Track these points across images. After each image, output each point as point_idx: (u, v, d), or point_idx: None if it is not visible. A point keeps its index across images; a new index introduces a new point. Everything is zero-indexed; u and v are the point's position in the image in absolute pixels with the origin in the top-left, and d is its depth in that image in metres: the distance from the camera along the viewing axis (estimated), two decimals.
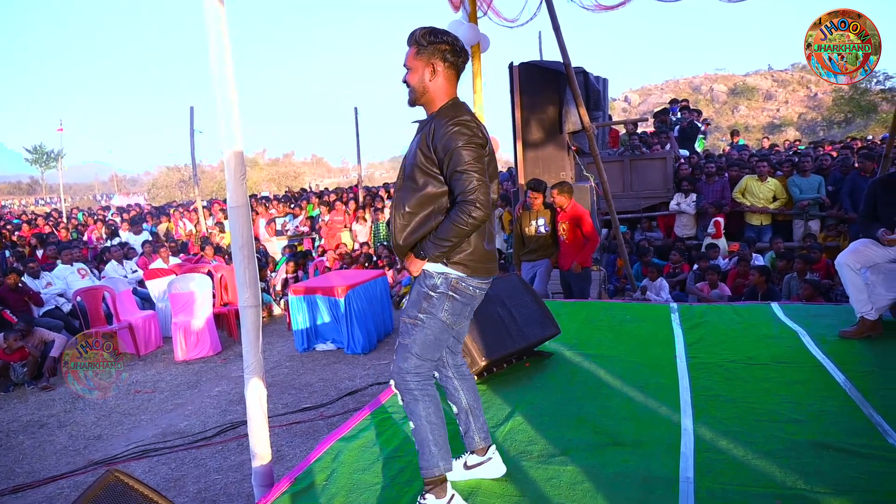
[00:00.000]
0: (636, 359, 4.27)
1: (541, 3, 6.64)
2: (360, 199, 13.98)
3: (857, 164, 8.93)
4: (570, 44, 7.24)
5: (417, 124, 2.50)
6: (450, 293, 2.43)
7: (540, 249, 6.56)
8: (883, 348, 4.15)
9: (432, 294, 2.43)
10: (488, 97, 6.05)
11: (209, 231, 13.72)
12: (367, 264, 9.93)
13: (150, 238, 12.52)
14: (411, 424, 2.51)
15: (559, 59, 7.43)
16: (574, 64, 7.76)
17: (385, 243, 11.46)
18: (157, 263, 9.05)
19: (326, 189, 19.45)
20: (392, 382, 2.60)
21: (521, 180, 7.86)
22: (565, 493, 2.62)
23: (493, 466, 2.73)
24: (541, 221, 6.51)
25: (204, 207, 15.19)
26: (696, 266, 7.87)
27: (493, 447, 2.76)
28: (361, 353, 6.56)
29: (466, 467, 2.73)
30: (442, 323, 2.45)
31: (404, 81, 2.44)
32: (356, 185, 15.56)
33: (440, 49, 2.35)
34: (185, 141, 13.60)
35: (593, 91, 9.13)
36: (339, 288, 6.64)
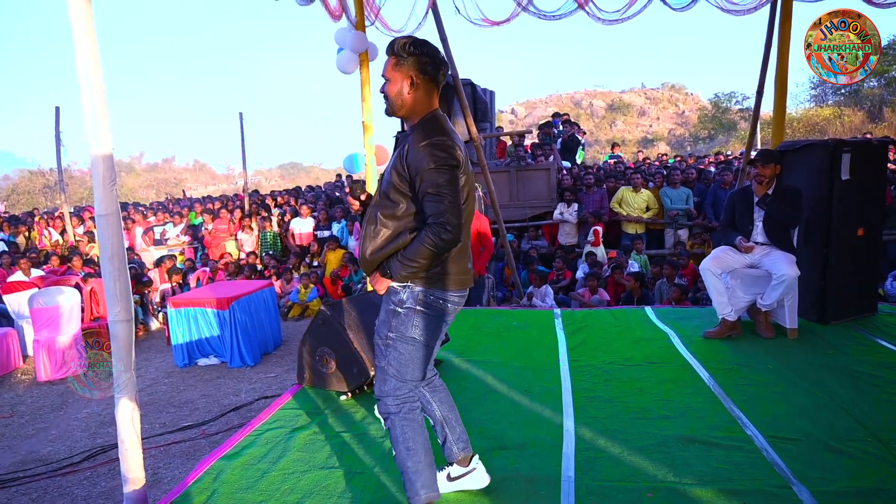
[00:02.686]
0: (522, 363, 4.40)
1: (426, 13, 6.72)
2: (247, 207, 13.51)
3: (717, 177, 9.71)
4: (457, 56, 7.39)
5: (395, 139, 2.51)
6: (418, 308, 2.33)
7: None
8: (742, 347, 4.52)
9: (399, 311, 2.34)
10: (377, 106, 6.06)
11: (77, 240, 12.75)
12: (253, 275, 9.60)
13: (7, 248, 11.46)
14: (394, 452, 2.43)
15: None
16: (462, 76, 7.93)
17: (271, 253, 11.13)
18: (17, 276, 8.30)
19: (210, 196, 18.64)
20: (375, 407, 2.47)
21: None
22: (452, 498, 2.65)
23: (478, 476, 2.68)
24: None
25: (72, 215, 14.09)
26: (582, 273, 8.22)
27: (476, 457, 2.70)
28: (247, 366, 6.32)
29: (450, 479, 2.67)
30: (414, 340, 2.35)
31: (382, 92, 2.36)
32: (242, 193, 15.02)
33: (420, 61, 2.28)
34: (51, 143, 12.55)
35: (480, 103, 9.37)
36: (223, 299, 6.38)
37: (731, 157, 14.53)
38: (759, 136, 13.67)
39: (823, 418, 3.25)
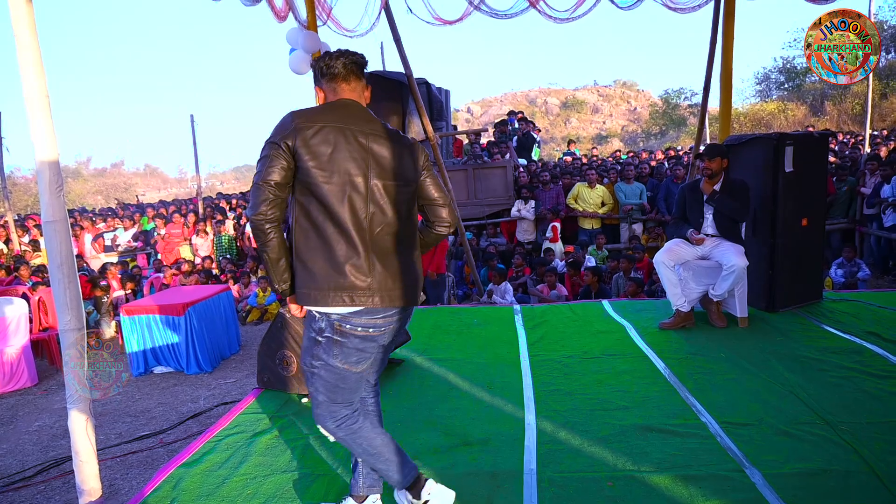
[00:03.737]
0: (483, 360, 4.43)
1: (379, 14, 6.71)
2: (201, 210, 13.26)
3: (669, 172, 9.94)
4: (412, 55, 7.40)
5: None
6: (335, 338, 2.19)
7: None
8: (695, 337, 4.64)
9: (320, 339, 2.22)
10: None
11: (23, 250, 12.31)
12: (209, 280, 9.43)
13: None
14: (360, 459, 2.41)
15: (402, 70, 7.56)
16: (417, 75, 7.93)
17: (228, 256, 10.96)
18: None
19: (162, 201, 18.23)
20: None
21: None
22: None
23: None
24: None
25: (16, 223, 13.59)
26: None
27: (377, 498, 2.53)
28: (205, 373, 6.21)
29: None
30: (340, 368, 2.22)
31: None
32: (196, 197, 14.73)
33: (315, 75, 2.33)
34: None
35: (436, 101, 9.40)
36: (179, 305, 6.25)
37: (681, 153, 14.88)
38: (707, 130, 14.05)
39: (774, 403, 3.36)
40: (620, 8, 7.11)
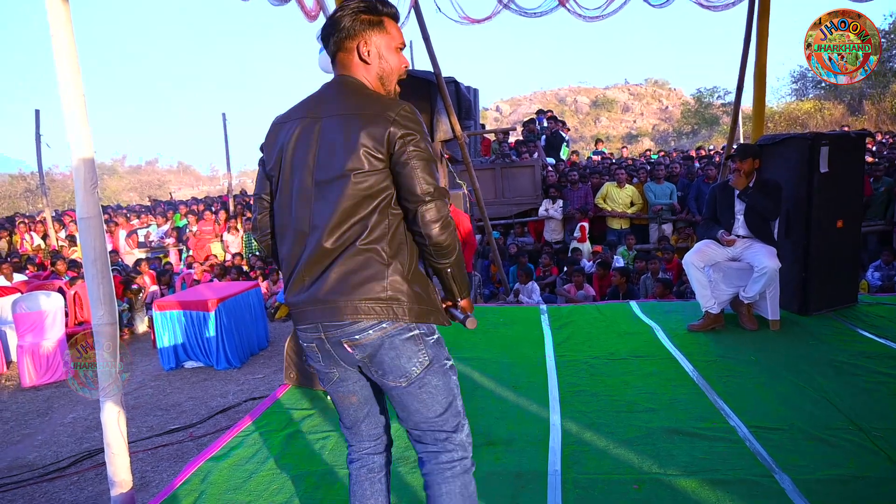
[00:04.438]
0: (509, 360, 4.42)
1: (409, 12, 6.73)
2: (231, 208, 13.45)
3: (700, 172, 9.80)
4: (440, 54, 7.40)
5: None
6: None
7: None
8: (725, 339, 4.57)
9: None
10: None
11: (60, 245, 12.62)
12: (239, 276, 9.56)
13: None
14: None
15: (430, 69, 7.56)
16: (445, 74, 7.93)
17: (257, 254, 11.09)
18: (0, 281, 8.22)
19: (194, 198, 18.54)
20: None
21: None
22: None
23: None
24: None
25: (54, 219, 13.95)
26: (565, 269, 8.28)
27: None
28: (234, 368, 6.31)
29: None
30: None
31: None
32: (226, 194, 14.96)
33: None
34: (31, 146, 12.46)
35: (464, 100, 9.37)
36: (209, 301, 6.35)
37: (712, 152, 14.65)
38: (741, 129, 13.79)
39: (805, 408, 3.30)
40: (652, 6, 7.04)
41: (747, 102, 7.40)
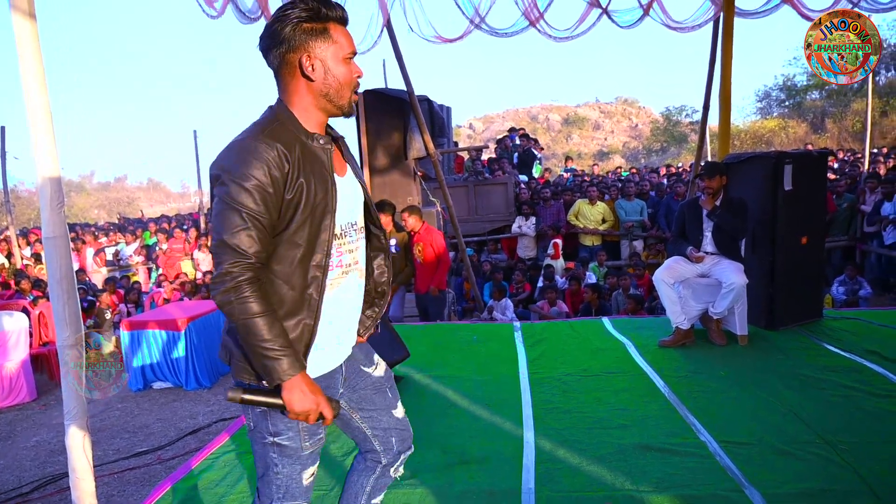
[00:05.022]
0: (482, 377, 4.42)
1: (381, 31, 6.78)
2: (203, 225, 13.30)
3: (669, 189, 9.97)
4: (413, 73, 7.46)
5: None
6: None
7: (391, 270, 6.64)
8: (695, 354, 4.63)
9: None
10: (333, 123, 5.96)
11: (25, 263, 12.33)
12: (209, 295, 9.43)
13: None
14: None
15: (403, 87, 7.62)
16: (418, 92, 7.99)
17: None
18: None
19: (164, 215, 18.30)
20: None
21: None
22: None
23: None
24: (392, 241, 6.62)
25: (19, 236, 13.62)
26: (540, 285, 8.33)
27: None
28: (204, 388, 6.20)
29: None
30: None
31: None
32: (197, 212, 14.80)
33: None
34: None
35: (437, 118, 9.46)
36: (179, 320, 6.25)
37: (680, 170, 14.92)
38: (708, 147, 14.09)
39: (773, 422, 3.35)
40: (621, 27, 7.19)
41: (714, 121, 7.57)
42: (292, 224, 1.60)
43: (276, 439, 1.69)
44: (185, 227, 13.24)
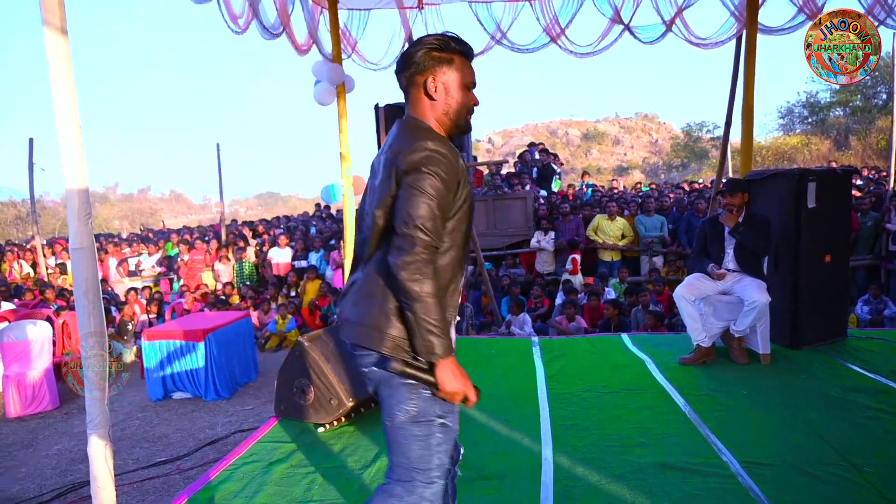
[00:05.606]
0: (501, 392, 4.41)
1: (403, 47, 6.84)
2: (223, 237, 13.44)
3: (689, 205, 9.90)
4: None
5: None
6: None
7: None
8: (716, 373, 4.57)
9: None
10: (354, 137, 6.07)
11: (49, 272, 12.54)
12: (229, 306, 9.51)
13: None
14: None
15: None
16: None
17: (248, 283, 11.05)
18: None
19: (186, 227, 18.52)
20: None
21: None
22: None
23: None
24: None
25: (44, 246, 13.86)
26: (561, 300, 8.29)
27: None
28: (223, 399, 6.24)
29: None
30: None
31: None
32: (218, 223, 14.95)
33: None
34: (23, 174, 12.44)
35: None
36: (199, 331, 6.31)
37: (701, 186, 14.80)
38: (729, 164, 13.98)
39: (796, 442, 3.29)
40: (644, 43, 7.19)
41: (735, 137, 7.52)
42: (453, 219, 1.87)
43: (442, 420, 1.89)
44: (206, 238, 13.36)
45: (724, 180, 7.36)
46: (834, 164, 15.73)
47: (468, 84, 1.94)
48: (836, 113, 30.04)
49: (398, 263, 1.74)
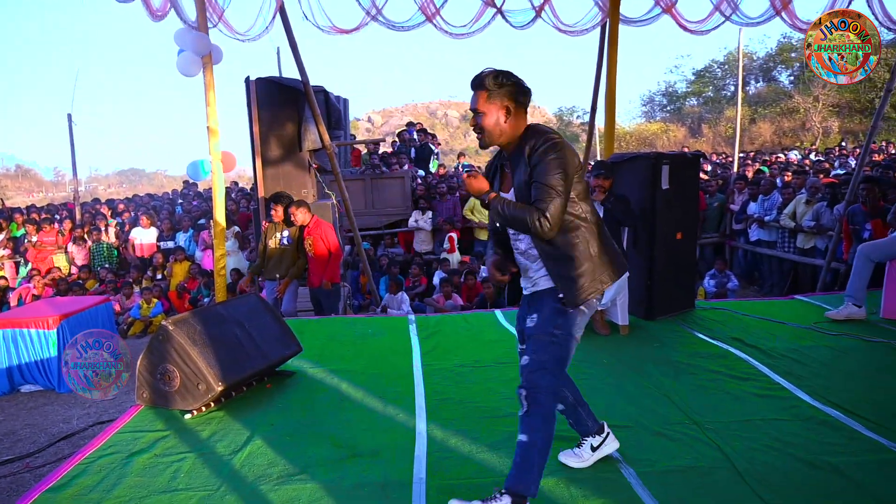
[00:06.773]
0: (376, 370, 4.42)
1: (273, 17, 6.59)
2: (78, 216, 12.41)
3: None
4: (309, 63, 7.31)
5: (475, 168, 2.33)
6: (581, 307, 2.48)
7: (283, 263, 6.52)
8: (581, 344, 4.63)
9: (569, 309, 2.46)
10: (222, 110, 5.74)
11: None
12: (84, 292, 8.83)
13: None
14: (523, 437, 2.43)
15: (298, 76, 7.45)
16: (314, 83, 7.83)
17: (108, 266, 10.31)
18: None
19: (34, 205, 16.91)
20: (522, 393, 2.47)
21: (262, 194, 7.71)
22: (312, 498, 2.62)
23: (612, 439, 2.92)
24: (285, 234, 6.54)
25: None
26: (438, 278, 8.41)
27: (605, 423, 2.93)
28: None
29: (593, 449, 2.87)
30: (574, 339, 2.50)
31: (477, 125, 2.47)
32: (73, 201, 13.77)
33: (513, 91, 2.43)
34: None
35: (334, 110, 9.30)
36: (51, 318, 5.82)
37: None
38: (597, 148, 14.74)
39: (649, 406, 3.57)
40: (514, 27, 7.37)
41: (601, 122, 7.94)
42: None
43: (577, 335, 2.51)
44: (58, 217, 12.28)
45: (591, 163, 7.76)
46: (686, 150, 17.02)
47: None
48: (692, 102, 32.49)
49: (545, 225, 2.37)
